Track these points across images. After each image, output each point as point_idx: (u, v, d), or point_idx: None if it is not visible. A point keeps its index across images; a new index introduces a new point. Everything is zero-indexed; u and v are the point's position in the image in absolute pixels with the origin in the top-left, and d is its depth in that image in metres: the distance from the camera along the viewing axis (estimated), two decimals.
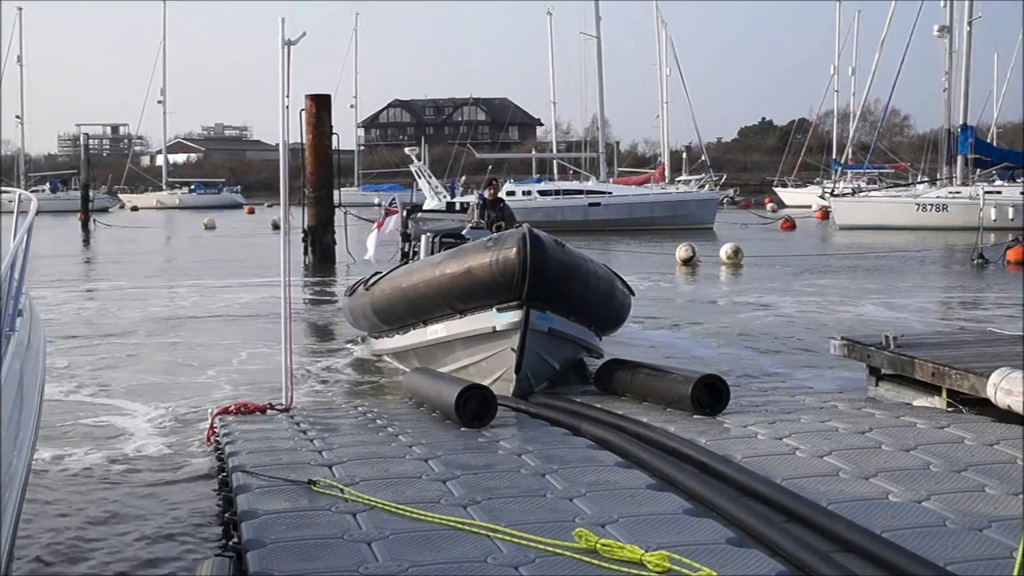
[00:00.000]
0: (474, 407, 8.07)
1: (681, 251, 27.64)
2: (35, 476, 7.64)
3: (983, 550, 4.94)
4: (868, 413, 8.33)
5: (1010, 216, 39.90)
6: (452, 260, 9.97)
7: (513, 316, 9.42)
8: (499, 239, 9.57)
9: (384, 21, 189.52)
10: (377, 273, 12.23)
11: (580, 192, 49.38)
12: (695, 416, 8.19)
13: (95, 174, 64.45)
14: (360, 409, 9.26)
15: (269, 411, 8.83)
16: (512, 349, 9.48)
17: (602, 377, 9.85)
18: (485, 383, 9.43)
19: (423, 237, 12.74)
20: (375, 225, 14.50)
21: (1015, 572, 4.57)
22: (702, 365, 11.81)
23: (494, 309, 9.54)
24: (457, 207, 15.99)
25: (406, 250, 13.86)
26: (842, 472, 6.37)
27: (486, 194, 13.51)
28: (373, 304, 11.52)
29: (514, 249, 9.24)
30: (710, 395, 8.41)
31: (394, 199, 14.84)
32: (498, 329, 9.55)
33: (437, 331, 10.38)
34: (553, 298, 9.58)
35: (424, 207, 28.93)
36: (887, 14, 49.61)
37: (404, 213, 14.30)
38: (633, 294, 11.65)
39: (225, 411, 8.74)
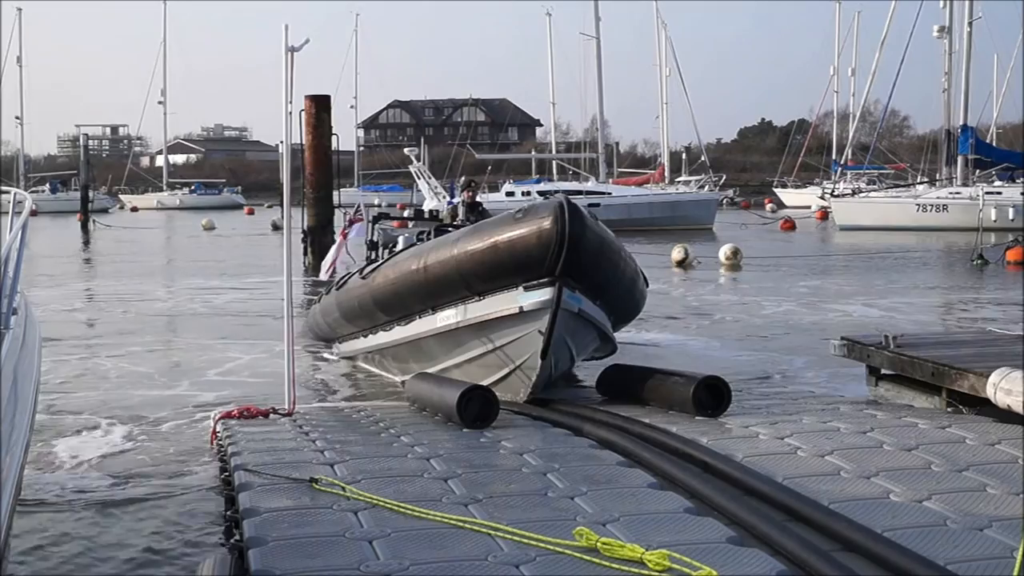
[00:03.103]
0: (476, 409, 8.05)
1: (675, 252, 27.73)
2: (32, 473, 7.65)
3: (984, 550, 4.94)
4: (869, 413, 8.34)
5: (1010, 217, 39.91)
6: (474, 235, 9.03)
7: (543, 294, 8.63)
8: (531, 209, 8.72)
9: (384, 22, 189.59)
10: (373, 262, 11.49)
11: (579, 193, 49.23)
12: (697, 417, 8.18)
13: (95, 175, 64.42)
14: (363, 413, 9.24)
15: (272, 415, 8.83)
16: (540, 331, 8.70)
17: (604, 382, 9.64)
18: (504, 372, 9.11)
19: (400, 239, 12.01)
20: (338, 234, 12.52)
21: (1015, 572, 4.58)
22: (703, 366, 11.77)
23: (520, 288, 8.74)
24: (426, 215, 14.94)
25: (373, 259, 12.44)
26: (843, 472, 6.37)
27: (464, 196, 13.06)
28: (374, 293, 10.41)
29: (549, 219, 8.38)
30: (712, 397, 8.36)
31: (359, 206, 13.00)
32: (525, 309, 8.73)
33: (449, 317, 9.43)
34: (585, 276, 8.80)
35: (424, 208, 28.62)
36: (887, 14, 49.77)
37: (370, 220, 13.11)
38: (648, 285, 10.98)
39: (228, 415, 8.71)
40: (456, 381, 8.86)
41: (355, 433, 8.09)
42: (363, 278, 10.85)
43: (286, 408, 8.96)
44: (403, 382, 10.29)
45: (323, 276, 11.88)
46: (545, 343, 8.69)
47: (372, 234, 12.93)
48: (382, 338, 10.89)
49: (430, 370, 9.85)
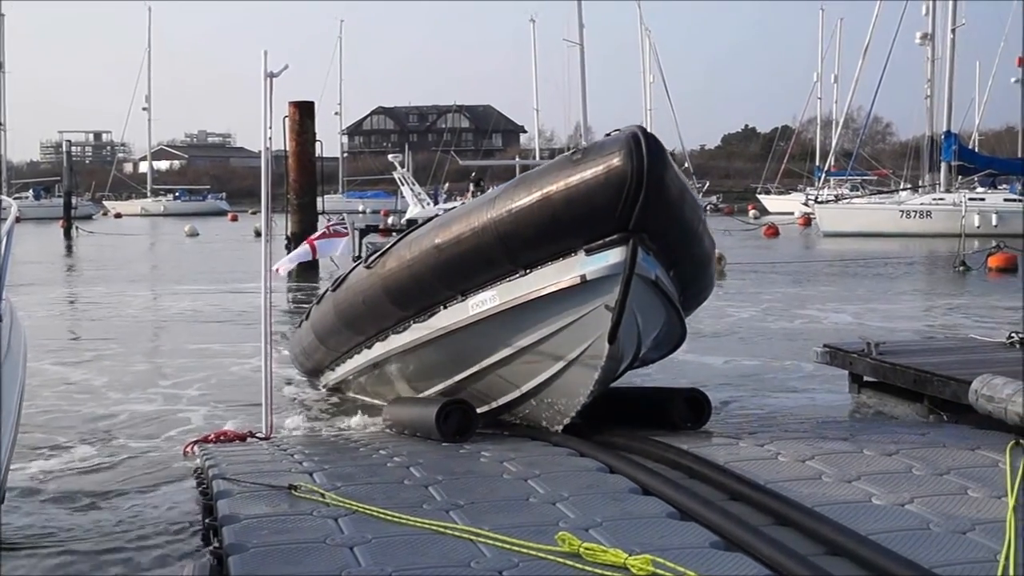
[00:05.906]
0: (455, 423, 7.88)
1: None
2: (14, 485, 7.58)
3: (967, 553, 4.93)
4: (850, 419, 8.35)
5: (993, 223, 40.23)
6: (519, 189, 7.05)
7: (612, 256, 6.74)
8: (593, 147, 6.84)
9: (368, 28, 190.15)
10: (377, 249, 9.15)
11: None
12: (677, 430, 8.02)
13: (78, 181, 64.15)
14: (343, 436, 9.06)
15: (249, 439, 8.45)
16: (607, 306, 6.82)
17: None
18: (554, 370, 7.48)
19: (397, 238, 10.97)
20: (307, 241, 9.91)
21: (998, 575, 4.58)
22: (683, 375, 11.72)
23: (580, 252, 6.87)
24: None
25: None
26: (824, 476, 6.36)
27: (467, 197, 12.62)
28: (385, 282, 8.20)
29: (621, 154, 6.49)
30: (692, 410, 8.10)
31: (343, 217, 10.98)
32: (588, 278, 6.84)
33: (483, 303, 7.47)
34: (663, 234, 6.91)
35: (408, 215, 28.46)
36: (870, 21, 50.01)
37: (357, 235, 11.90)
38: None
39: (204, 440, 8.35)
40: (434, 398, 8.52)
41: (334, 449, 8.00)
42: (369, 267, 8.58)
43: (264, 432, 8.57)
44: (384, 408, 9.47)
45: (280, 272, 9.70)
46: (615, 320, 6.82)
47: (360, 249, 11.69)
48: (393, 343, 8.64)
49: (449, 381, 8.48)
